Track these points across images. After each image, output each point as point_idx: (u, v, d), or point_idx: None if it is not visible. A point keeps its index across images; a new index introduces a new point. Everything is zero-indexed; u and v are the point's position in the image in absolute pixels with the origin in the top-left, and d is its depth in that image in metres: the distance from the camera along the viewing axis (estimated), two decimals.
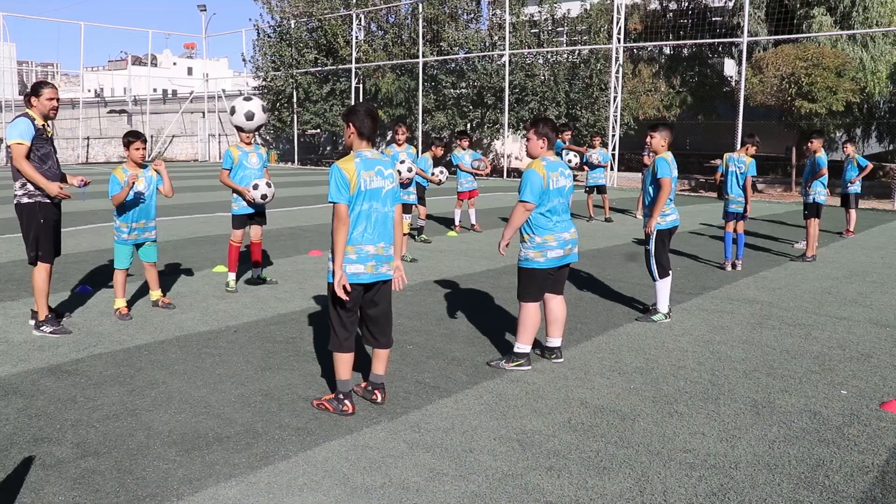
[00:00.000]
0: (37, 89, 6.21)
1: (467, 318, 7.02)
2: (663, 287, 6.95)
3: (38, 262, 6.21)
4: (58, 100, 6.29)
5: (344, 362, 4.64)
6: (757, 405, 4.85)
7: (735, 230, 9.66)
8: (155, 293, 7.28)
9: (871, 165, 13.48)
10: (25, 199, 6.14)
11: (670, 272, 7.03)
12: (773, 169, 26.34)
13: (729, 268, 9.56)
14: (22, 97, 6.42)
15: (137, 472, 3.80)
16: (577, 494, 3.64)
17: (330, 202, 4.46)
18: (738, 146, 9.60)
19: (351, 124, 4.61)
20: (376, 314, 4.75)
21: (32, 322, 6.36)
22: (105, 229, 12.06)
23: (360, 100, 33.08)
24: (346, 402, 4.61)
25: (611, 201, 16.12)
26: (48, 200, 6.19)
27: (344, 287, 4.47)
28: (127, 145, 6.84)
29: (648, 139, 7.06)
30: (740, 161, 9.53)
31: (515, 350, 5.51)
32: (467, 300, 7.76)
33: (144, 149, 6.90)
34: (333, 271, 4.49)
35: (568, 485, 3.73)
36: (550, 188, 5.34)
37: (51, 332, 6.17)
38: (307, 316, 7.02)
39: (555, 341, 5.72)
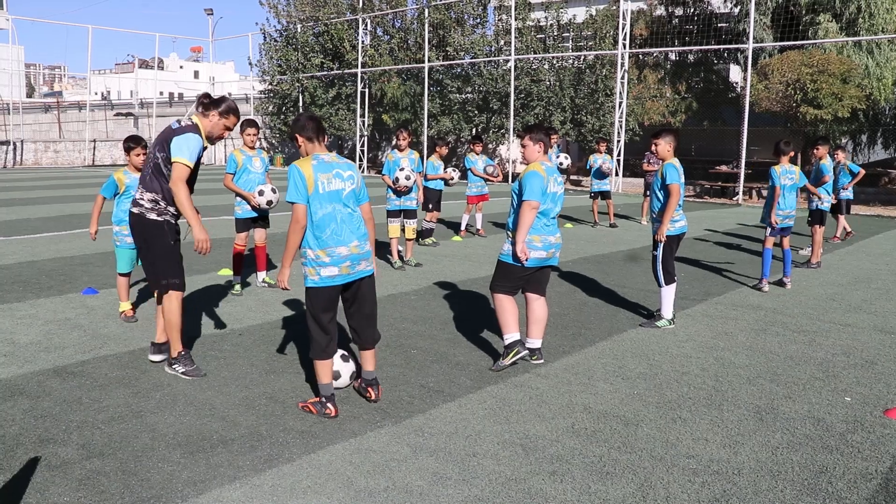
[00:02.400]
0: (228, 109, 5.32)
1: (471, 322, 7.03)
2: (668, 293, 6.95)
3: (171, 291, 5.29)
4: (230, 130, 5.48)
5: (325, 368, 4.66)
6: (760, 411, 4.85)
7: (781, 245, 9.09)
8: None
9: (862, 171, 13.30)
10: (154, 216, 5.20)
11: (676, 279, 7.04)
12: None
13: (766, 287, 8.77)
14: (197, 107, 5.31)
15: (142, 473, 3.82)
16: (580, 499, 3.65)
17: (287, 202, 4.54)
18: (780, 156, 8.83)
19: (297, 136, 4.72)
20: (359, 312, 4.82)
21: (157, 357, 5.56)
22: (111, 231, 12.09)
23: (366, 104, 33.15)
24: (329, 405, 4.62)
25: (615, 207, 16.11)
26: (175, 221, 5.36)
27: (318, 290, 4.58)
28: (128, 150, 6.86)
29: (653, 146, 7.06)
30: (791, 172, 8.94)
31: (506, 343, 5.57)
32: (471, 305, 7.77)
33: (144, 154, 6.92)
34: (282, 269, 4.62)
35: (571, 490, 3.74)
36: (548, 191, 5.47)
37: (183, 373, 5.29)
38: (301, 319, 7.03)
39: (535, 342, 5.76)
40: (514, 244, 5.45)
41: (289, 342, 6.25)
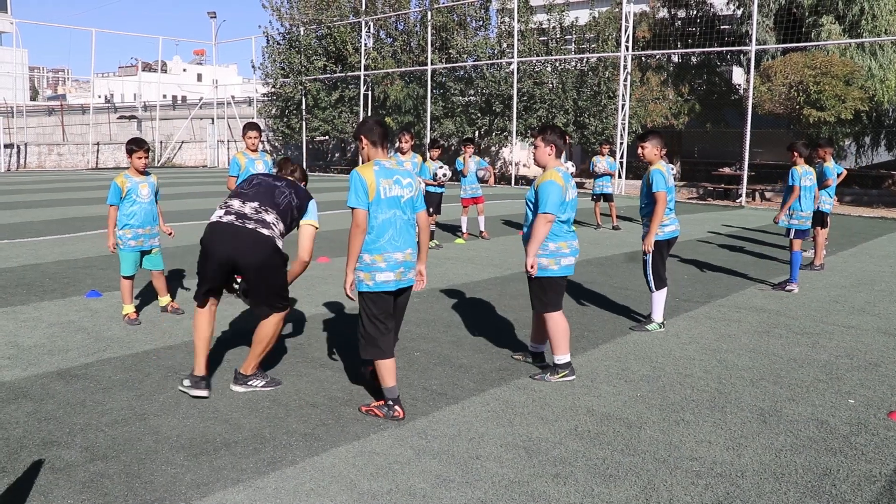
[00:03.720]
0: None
1: (474, 325, 7.03)
2: (659, 298, 6.92)
3: (286, 311, 5.06)
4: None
5: (389, 369, 4.65)
6: (764, 414, 4.85)
7: (791, 248, 9.08)
8: (164, 299, 7.32)
9: (845, 172, 13.21)
10: (281, 244, 4.91)
11: (667, 283, 7.00)
12: (781, 177, 26.29)
13: (795, 289, 8.82)
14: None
15: (145, 476, 3.82)
16: (584, 502, 3.64)
17: (348, 207, 4.52)
18: (798, 157, 9.02)
19: (362, 137, 4.71)
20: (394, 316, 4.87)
21: (238, 387, 5.09)
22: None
23: (369, 107, 33.18)
24: (397, 407, 4.64)
25: (618, 209, 16.11)
26: None
27: (374, 294, 4.59)
28: (130, 153, 6.87)
29: (640, 150, 6.91)
30: (809, 173, 9.05)
31: (556, 362, 5.46)
32: (474, 307, 7.78)
33: (147, 157, 6.93)
34: (346, 276, 4.61)
35: (574, 492, 3.74)
36: (567, 199, 5.36)
37: (263, 387, 5.11)
38: (315, 322, 7.04)
39: (542, 347, 5.75)
40: (528, 255, 5.34)
41: (292, 345, 6.25)
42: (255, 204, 4.85)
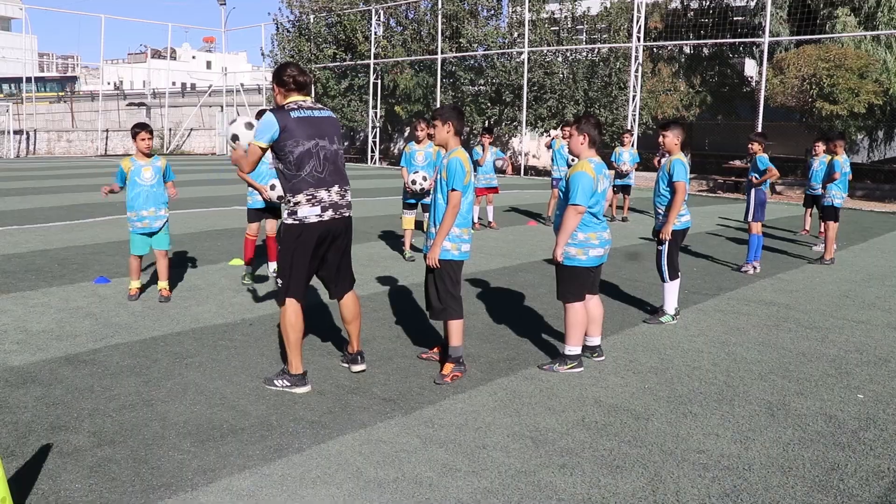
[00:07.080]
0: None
1: (482, 314, 7.02)
2: (672, 289, 6.90)
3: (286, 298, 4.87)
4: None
5: (462, 328, 5.31)
6: (772, 407, 4.83)
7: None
8: (161, 283, 7.40)
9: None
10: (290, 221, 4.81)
11: (680, 274, 6.97)
12: (792, 171, 26.13)
13: (751, 270, 9.45)
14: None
15: (152, 461, 3.84)
16: (590, 493, 3.64)
17: (451, 189, 5.07)
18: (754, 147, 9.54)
19: (449, 123, 5.19)
20: None
21: (280, 384, 4.90)
22: (123, 220, 12.14)
23: (379, 95, 33.09)
24: (464, 364, 5.32)
25: (630, 201, 16.04)
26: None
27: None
28: (134, 136, 7.12)
29: (661, 139, 6.94)
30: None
31: (567, 353, 5.44)
32: (483, 297, 7.76)
33: (150, 139, 7.14)
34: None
35: (580, 483, 3.73)
36: (598, 190, 5.36)
37: (285, 387, 4.88)
38: (322, 310, 7.04)
39: (594, 340, 5.72)
40: (557, 245, 5.37)
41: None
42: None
